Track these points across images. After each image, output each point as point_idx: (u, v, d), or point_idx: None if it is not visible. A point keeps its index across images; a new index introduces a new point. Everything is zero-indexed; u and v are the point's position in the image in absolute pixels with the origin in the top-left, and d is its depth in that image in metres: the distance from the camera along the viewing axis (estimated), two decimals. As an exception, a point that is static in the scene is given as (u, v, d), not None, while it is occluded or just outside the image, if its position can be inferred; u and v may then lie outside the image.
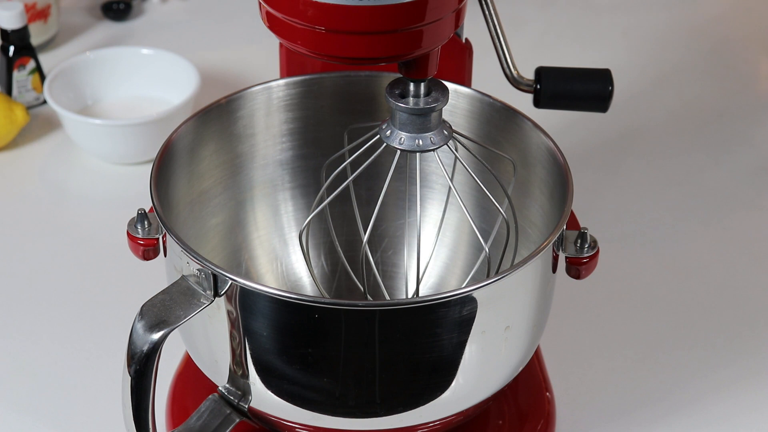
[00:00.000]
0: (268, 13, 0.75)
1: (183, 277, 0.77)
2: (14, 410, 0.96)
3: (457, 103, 0.91)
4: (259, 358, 0.78)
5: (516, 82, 0.96)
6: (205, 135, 0.89)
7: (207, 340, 0.81)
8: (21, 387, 0.99)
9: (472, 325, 0.76)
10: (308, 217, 0.85)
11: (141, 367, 0.74)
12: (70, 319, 1.05)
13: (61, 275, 1.10)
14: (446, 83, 0.82)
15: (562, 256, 0.81)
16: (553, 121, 1.07)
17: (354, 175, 0.81)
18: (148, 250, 0.82)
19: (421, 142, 0.79)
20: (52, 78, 1.24)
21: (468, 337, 0.77)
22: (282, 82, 0.92)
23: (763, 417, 0.97)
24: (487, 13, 0.94)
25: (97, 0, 1.52)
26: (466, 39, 0.97)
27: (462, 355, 0.77)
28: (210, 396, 0.84)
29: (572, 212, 0.82)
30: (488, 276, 0.82)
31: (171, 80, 1.29)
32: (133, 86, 1.30)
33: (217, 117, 0.89)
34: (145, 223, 0.82)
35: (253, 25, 1.42)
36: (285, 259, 0.96)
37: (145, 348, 0.74)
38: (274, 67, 1.00)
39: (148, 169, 0.83)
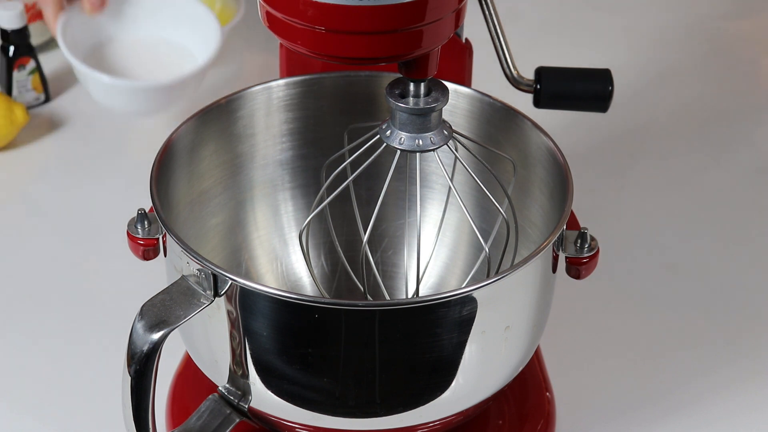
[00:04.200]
0: (267, 13, 0.75)
1: (183, 277, 0.77)
2: (14, 410, 0.96)
3: (457, 103, 0.90)
4: (259, 358, 0.78)
5: (516, 82, 0.96)
6: (205, 135, 0.89)
7: (207, 340, 0.81)
8: (21, 387, 0.99)
9: (472, 325, 0.76)
10: (308, 217, 0.85)
11: (141, 367, 0.74)
12: (70, 318, 1.05)
13: (61, 275, 1.10)
14: (446, 83, 0.82)
15: (562, 256, 0.81)
16: (553, 121, 1.06)
17: (354, 175, 0.81)
18: (148, 250, 0.82)
19: (421, 142, 0.79)
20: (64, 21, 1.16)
21: (468, 337, 0.77)
22: (282, 82, 0.92)
23: (763, 417, 0.97)
24: (487, 13, 0.94)
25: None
26: (466, 39, 0.97)
27: (462, 355, 0.77)
28: (210, 396, 0.84)
29: (572, 212, 0.82)
30: (488, 276, 0.82)
31: (191, 25, 1.20)
32: (151, 26, 1.20)
33: (217, 117, 0.89)
34: (145, 223, 0.82)
35: (252, 24, 1.42)
36: (285, 259, 0.96)
37: (145, 348, 0.74)
38: (274, 67, 1.00)
39: (148, 168, 0.83)
